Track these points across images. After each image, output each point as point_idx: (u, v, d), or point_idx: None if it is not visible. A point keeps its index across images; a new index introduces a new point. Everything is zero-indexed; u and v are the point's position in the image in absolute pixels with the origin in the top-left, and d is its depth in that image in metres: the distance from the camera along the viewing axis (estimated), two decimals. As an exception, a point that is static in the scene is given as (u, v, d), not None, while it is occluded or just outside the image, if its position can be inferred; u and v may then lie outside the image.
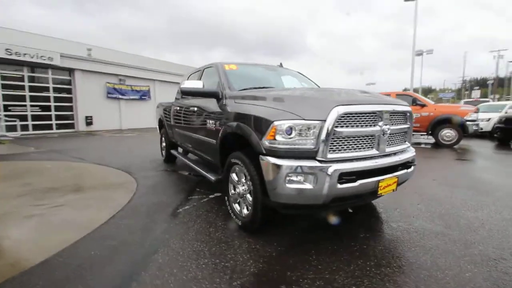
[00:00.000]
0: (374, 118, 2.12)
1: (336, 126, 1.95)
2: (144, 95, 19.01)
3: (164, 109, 5.44)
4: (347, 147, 2.04)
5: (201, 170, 3.38)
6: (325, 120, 1.92)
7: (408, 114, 2.49)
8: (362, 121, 2.07)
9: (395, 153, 2.36)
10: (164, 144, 5.73)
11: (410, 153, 2.52)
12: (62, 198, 3.33)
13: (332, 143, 1.97)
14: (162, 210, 2.97)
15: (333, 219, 2.67)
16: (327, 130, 1.92)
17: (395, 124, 2.31)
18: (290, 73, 3.94)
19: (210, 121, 3.00)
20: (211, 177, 3.03)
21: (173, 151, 5.06)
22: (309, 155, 1.96)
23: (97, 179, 4.29)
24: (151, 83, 19.38)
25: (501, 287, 1.68)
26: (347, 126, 2.01)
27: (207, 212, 2.93)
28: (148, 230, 2.48)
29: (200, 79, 3.82)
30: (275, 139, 2.01)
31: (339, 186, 1.94)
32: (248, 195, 2.38)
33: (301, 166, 1.92)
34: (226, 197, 2.72)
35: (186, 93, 3.01)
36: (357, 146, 2.09)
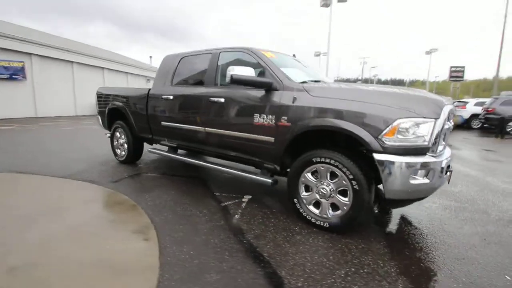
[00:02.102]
0: (449, 116, 2.41)
1: (445, 124, 2.11)
2: (15, 74, 14.18)
3: (128, 98, 4.31)
4: (438, 143, 2.25)
5: (248, 174, 2.89)
6: (438, 118, 2.04)
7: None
8: (447, 118, 2.31)
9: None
10: (122, 140, 4.55)
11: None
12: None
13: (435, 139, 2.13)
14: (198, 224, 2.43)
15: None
16: (440, 127, 2.06)
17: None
18: (308, 65, 3.78)
19: (263, 116, 2.62)
20: (268, 180, 2.67)
21: (151, 149, 4.08)
22: (423, 151, 2.05)
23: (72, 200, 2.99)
24: (26, 58, 14.60)
25: None
26: (443, 123, 2.20)
27: (268, 220, 2.60)
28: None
29: (210, 64, 3.24)
30: (395, 136, 1.99)
31: (443, 178, 2.14)
32: (339, 196, 2.27)
33: (426, 163, 2.00)
34: (295, 200, 2.50)
35: (238, 81, 2.52)
36: (439, 142, 2.33)
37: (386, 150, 2.01)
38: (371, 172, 2.17)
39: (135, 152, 4.49)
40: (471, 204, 3.09)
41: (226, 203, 2.94)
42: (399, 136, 1.99)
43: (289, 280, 1.70)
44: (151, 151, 4.08)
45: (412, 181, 1.99)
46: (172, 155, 3.81)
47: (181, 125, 3.46)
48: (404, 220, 2.66)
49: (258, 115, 2.66)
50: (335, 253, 2.02)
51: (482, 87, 54.06)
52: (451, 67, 31.64)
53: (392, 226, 2.55)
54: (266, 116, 2.60)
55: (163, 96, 3.63)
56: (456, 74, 31.46)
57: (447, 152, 2.38)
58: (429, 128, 2.02)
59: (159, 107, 3.76)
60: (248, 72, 2.57)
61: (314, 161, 2.33)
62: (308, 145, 2.51)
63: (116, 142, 4.71)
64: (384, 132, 2.00)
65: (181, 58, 3.65)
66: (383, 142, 2.01)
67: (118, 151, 4.71)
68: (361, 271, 1.82)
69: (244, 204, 2.93)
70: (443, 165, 2.08)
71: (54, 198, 3.02)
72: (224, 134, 3.00)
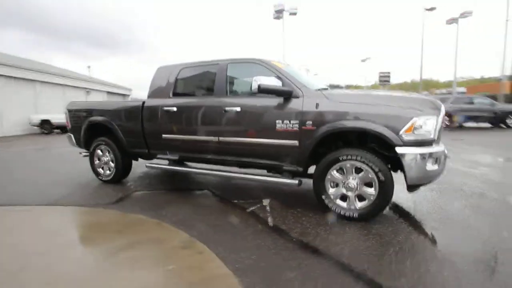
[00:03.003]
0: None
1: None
2: None
3: (115, 112, 4.02)
4: (440, 136, 2.72)
5: (273, 178, 3.03)
6: (439, 115, 2.51)
7: None
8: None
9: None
10: (106, 158, 4.19)
11: None
12: None
13: (434, 133, 2.60)
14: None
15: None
16: (440, 123, 2.53)
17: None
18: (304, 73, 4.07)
19: (285, 122, 2.80)
20: (294, 181, 2.84)
21: (150, 164, 3.86)
22: (431, 143, 2.49)
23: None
24: None
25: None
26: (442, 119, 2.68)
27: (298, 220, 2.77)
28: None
29: (218, 75, 3.30)
30: (412, 132, 2.39)
31: (445, 164, 2.62)
32: (365, 188, 2.58)
33: (435, 152, 2.43)
34: (323, 196, 2.72)
35: (264, 90, 2.66)
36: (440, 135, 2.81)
37: (405, 144, 2.39)
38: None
39: (124, 170, 4.18)
40: (450, 184, 3.74)
41: (251, 209, 3.01)
42: (415, 132, 2.40)
43: (355, 265, 1.90)
44: (150, 166, 3.87)
45: (427, 168, 2.41)
46: (177, 168, 3.70)
47: (189, 136, 3.41)
48: (405, 204, 3.11)
49: (281, 121, 2.83)
50: (375, 237, 2.30)
51: (405, 89, 63.36)
52: (380, 72, 36.32)
53: (400, 210, 2.97)
54: (289, 122, 2.79)
55: (165, 108, 3.52)
56: (384, 78, 36.20)
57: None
58: (434, 123, 2.47)
59: (158, 119, 3.61)
60: (275, 82, 2.75)
61: (341, 159, 2.60)
62: (323, 146, 2.78)
63: (98, 161, 4.30)
64: (404, 129, 2.38)
65: (181, 69, 3.60)
66: (403, 137, 2.39)
67: (100, 170, 4.30)
68: (403, 247, 2.13)
69: (268, 208, 3.04)
70: (446, 153, 2.55)
71: (61, 229, 2.68)
72: (241, 141, 3.08)
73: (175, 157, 3.71)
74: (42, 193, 3.76)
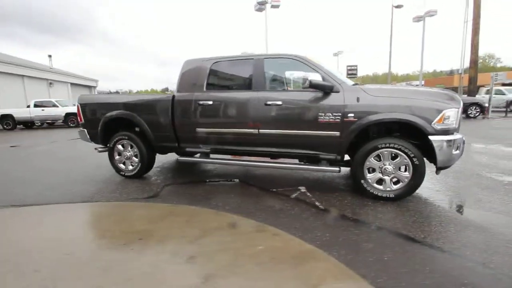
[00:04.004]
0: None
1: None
2: None
3: (141, 105, 3.98)
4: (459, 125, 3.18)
5: (315, 166, 3.33)
6: (459, 107, 2.96)
7: None
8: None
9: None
10: (129, 153, 4.14)
11: None
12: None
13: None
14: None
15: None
16: (460, 114, 2.99)
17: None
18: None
19: (328, 114, 3.07)
20: (336, 169, 3.16)
21: (182, 158, 3.96)
22: (453, 131, 2.94)
23: None
24: None
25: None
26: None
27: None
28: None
29: (255, 70, 3.45)
30: (442, 122, 2.81)
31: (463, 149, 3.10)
32: (400, 171, 2.97)
33: (460, 138, 2.88)
34: (362, 181, 3.07)
35: (315, 85, 2.94)
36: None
37: (436, 133, 2.81)
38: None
39: (148, 164, 4.17)
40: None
41: (294, 195, 3.27)
42: (444, 122, 2.82)
43: (414, 235, 2.27)
44: (183, 160, 3.93)
45: (453, 152, 2.86)
46: (212, 160, 3.81)
47: (226, 129, 3.53)
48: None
49: (323, 114, 3.10)
50: (416, 213, 2.71)
51: (367, 81, 67.46)
52: (347, 66, 38.26)
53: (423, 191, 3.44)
54: (332, 114, 3.07)
55: (200, 102, 3.59)
56: (352, 71, 38.20)
57: None
58: (456, 114, 2.91)
59: (191, 113, 3.67)
60: (320, 78, 3.00)
61: (379, 147, 2.96)
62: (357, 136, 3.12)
63: (119, 156, 4.23)
64: (436, 119, 2.80)
65: (213, 63, 3.68)
66: (435, 127, 2.80)
67: (121, 165, 4.24)
68: (441, 219, 2.55)
69: (308, 194, 3.32)
70: (464, 139, 3.03)
71: (126, 223, 2.69)
72: (282, 133, 3.30)
73: (207, 150, 3.82)
74: (69, 191, 3.64)
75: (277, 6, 18.16)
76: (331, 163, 3.31)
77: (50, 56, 23.94)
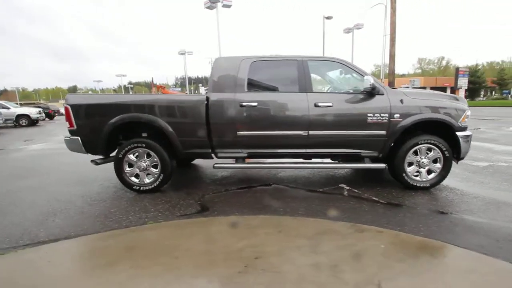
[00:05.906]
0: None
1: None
2: None
3: (166, 108, 3.42)
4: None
5: (362, 165, 3.52)
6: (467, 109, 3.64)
7: None
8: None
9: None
10: (145, 164, 3.52)
11: None
12: None
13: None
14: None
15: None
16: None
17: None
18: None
19: (376, 115, 3.32)
20: (382, 165, 3.42)
21: (218, 165, 3.59)
22: (466, 128, 3.59)
23: None
24: None
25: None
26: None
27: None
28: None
29: (299, 71, 3.45)
30: (465, 120, 3.41)
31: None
32: (433, 164, 3.45)
33: (471, 134, 3.53)
34: (403, 174, 3.44)
35: (373, 88, 3.14)
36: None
37: (461, 129, 3.40)
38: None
39: (170, 174, 3.63)
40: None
41: (345, 193, 3.42)
42: (465, 120, 3.43)
43: (452, 211, 2.76)
44: (219, 166, 3.57)
45: (469, 145, 3.50)
46: (252, 165, 3.61)
47: (275, 131, 3.40)
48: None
49: (372, 114, 3.34)
50: (448, 196, 3.26)
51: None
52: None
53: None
54: (380, 115, 3.33)
55: (244, 104, 3.34)
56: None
57: None
58: (468, 114, 3.58)
59: (232, 115, 3.39)
60: (369, 80, 3.22)
61: (419, 143, 3.38)
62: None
63: (129, 168, 3.55)
64: (461, 118, 3.37)
65: (252, 63, 3.47)
66: (460, 124, 3.38)
67: (133, 179, 3.57)
68: (471, 200, 3.12)
69: (356, 191, 3.51)
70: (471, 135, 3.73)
71: (235, 243, 2.29)
72: (332, 134, 3.40)
73: (244, 154, 3.59)
74: (99, 222, 2.87)
75: (229, 6, 17.85)
76: (375, 160, 3.58)
77: None
